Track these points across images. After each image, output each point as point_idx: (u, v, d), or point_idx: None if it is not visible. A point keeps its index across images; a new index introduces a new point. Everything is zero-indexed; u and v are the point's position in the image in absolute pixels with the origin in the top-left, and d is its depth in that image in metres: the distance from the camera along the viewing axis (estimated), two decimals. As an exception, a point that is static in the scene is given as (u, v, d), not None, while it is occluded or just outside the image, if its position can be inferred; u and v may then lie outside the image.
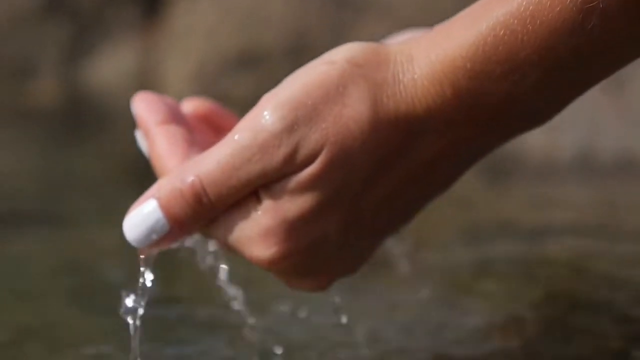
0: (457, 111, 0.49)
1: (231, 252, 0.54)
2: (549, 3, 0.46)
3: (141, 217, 0.50)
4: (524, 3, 0.47)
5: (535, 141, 1.30)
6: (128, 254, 0.55)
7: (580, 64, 0.48)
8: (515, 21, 0.47)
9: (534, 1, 0.47)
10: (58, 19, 2.15)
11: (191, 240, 0.58)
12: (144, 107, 0.55)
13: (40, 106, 1.87)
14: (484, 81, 0.48)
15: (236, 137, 0.49)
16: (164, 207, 0.50)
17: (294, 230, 0.50)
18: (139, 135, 0.58)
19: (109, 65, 2.03)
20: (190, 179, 0.50)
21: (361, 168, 0.50)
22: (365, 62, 0.50)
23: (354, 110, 0.49)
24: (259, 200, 0.50)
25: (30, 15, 2.17)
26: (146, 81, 1.91)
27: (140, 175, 1.30)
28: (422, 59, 0.49)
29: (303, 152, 0.49)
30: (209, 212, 0.50)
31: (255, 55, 1.82)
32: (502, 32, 0.47)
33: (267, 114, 0.49)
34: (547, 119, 0.52)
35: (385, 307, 0.75)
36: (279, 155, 0.49)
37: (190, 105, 0.61)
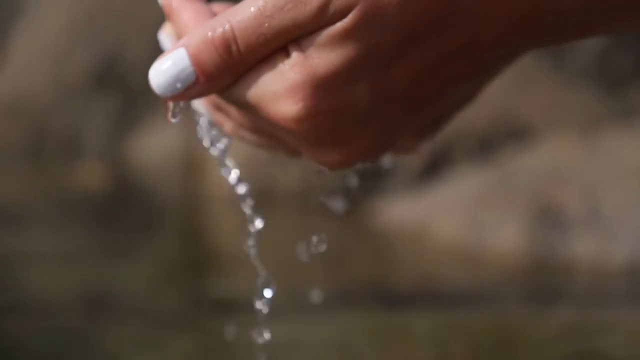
0: None
1: (254, 124, 0.54)
2: None
3: (168, 65, 0.50)
4: None
5: (584, 251, 1.27)
6: None
7: None
8: None
9: None
10: (104, 92, 2.16)
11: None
12: None
13: (87, 190, 1.87)
14: None
15: None
16: (192, 55, 0.50)
17: (321, 88, 0.49)
18: (162, 36, 0.58)
19: (156, 140, 2.04)
20: (221, 27, 0.49)
21: (394, 31, 0.49)
22: None
23: None
24: (287, 55, 0.50)
25: (77, 89, 2.18)
26: (193, 155, 1.90)
27: (187, 292, 1.29)
28: None
29: (336, 4, 0.48)
30: (237, 63, 0.50)
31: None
32: None
33: None
34: (581, 38, 0.52)
35: None
36: (312, 4, 0.48)
37: (220, 8, 0.61)
